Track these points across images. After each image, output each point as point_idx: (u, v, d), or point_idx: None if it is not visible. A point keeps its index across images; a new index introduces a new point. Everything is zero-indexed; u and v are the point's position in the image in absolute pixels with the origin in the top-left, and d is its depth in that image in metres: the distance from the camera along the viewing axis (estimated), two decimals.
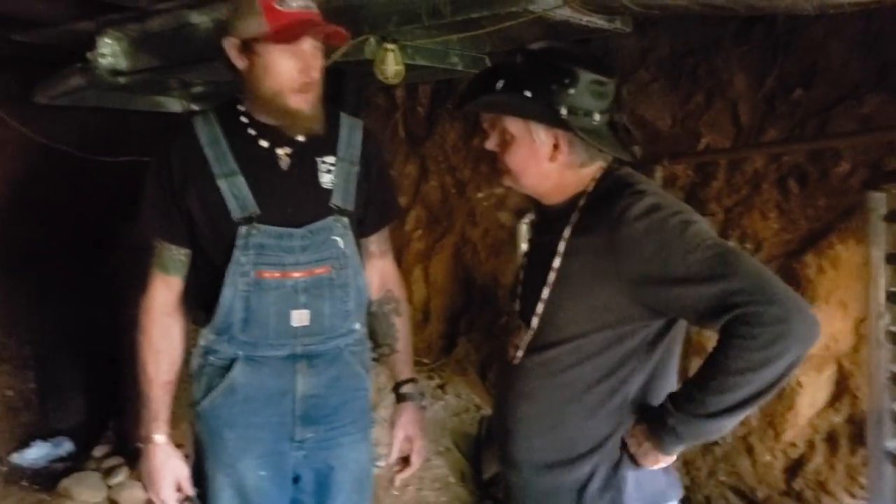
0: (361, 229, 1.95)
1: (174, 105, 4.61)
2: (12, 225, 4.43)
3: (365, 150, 1.92)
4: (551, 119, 1.48)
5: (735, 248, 1.47)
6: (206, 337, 1.87)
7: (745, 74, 3.19)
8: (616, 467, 1.50)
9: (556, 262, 1.50)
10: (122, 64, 3.58)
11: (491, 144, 1.57)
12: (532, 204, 1.71)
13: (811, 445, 2.94)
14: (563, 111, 1.46)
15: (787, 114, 3.07)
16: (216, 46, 1.84)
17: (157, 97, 4.52)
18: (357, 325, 1.94)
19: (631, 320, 1.46)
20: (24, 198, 4.46)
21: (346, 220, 1.86)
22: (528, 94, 1.46)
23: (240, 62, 1.78)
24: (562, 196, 1.57)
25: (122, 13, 3.47)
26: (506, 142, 1.53)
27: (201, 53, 3.23)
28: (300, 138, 1.83)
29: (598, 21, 2.81)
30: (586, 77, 1.47)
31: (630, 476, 1.49)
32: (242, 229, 1.77)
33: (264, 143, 1.83)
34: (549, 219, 1.60)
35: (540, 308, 1.52)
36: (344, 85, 4.07)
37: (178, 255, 1.86)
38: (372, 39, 2.85)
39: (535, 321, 1.53)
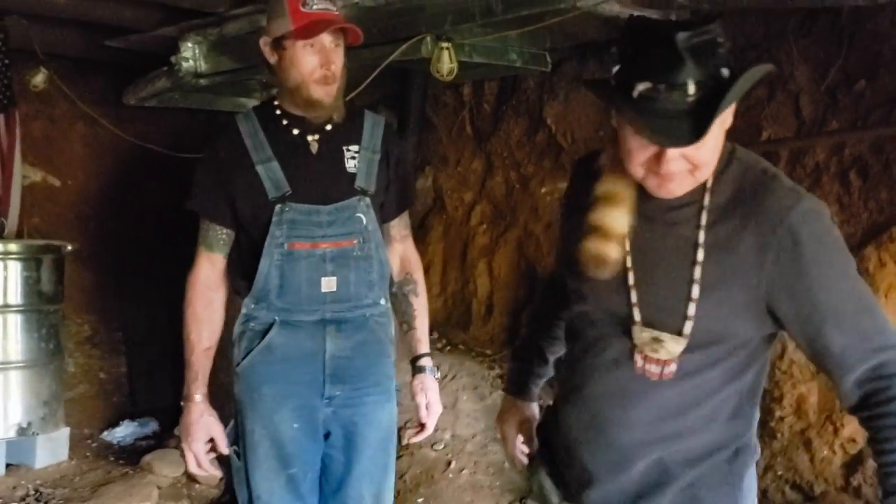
0: (382, 214, 2.16)
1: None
2: (104, 220, 4.75)
3: (385, 142, 2.14)
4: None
5: None
6: (247, 305, 2.08)
7: (808, 67, 3.15)
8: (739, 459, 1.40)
9: (700, 256, 1.30)
10: (203, 66, 3.80)
11: (676, 169, 1.26)
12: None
13: None
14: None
15: (850, 106, 3.02)
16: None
17: (239, 98, 4.74)
18: (382, 300, 2.15)
19: (760, 325, 1.33)
20: (115, 195, 4.78)
21: (368, 199, 2.08)
22: (739, 83, 1.19)
23: (272, 58, 2.03)
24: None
25: (202, 18, 3.70)
26: (699, 144, 1.22)
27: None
28: (328, 127, 2.08)
29: (652, 15, 2.83)
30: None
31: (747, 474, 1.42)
32: (277, 207, 2.00)
33: (296, 131, 2.07)
34: (665, 204, 1.34)
35: (692, 310, 1.30)
36: (409, 83, 4.21)
37: (221, 234, 2.08)
38: (428, 38, 2.96)
39: (688, 326, 1.30)
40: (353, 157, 2.08)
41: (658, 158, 1.23)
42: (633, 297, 1.35)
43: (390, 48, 3.09)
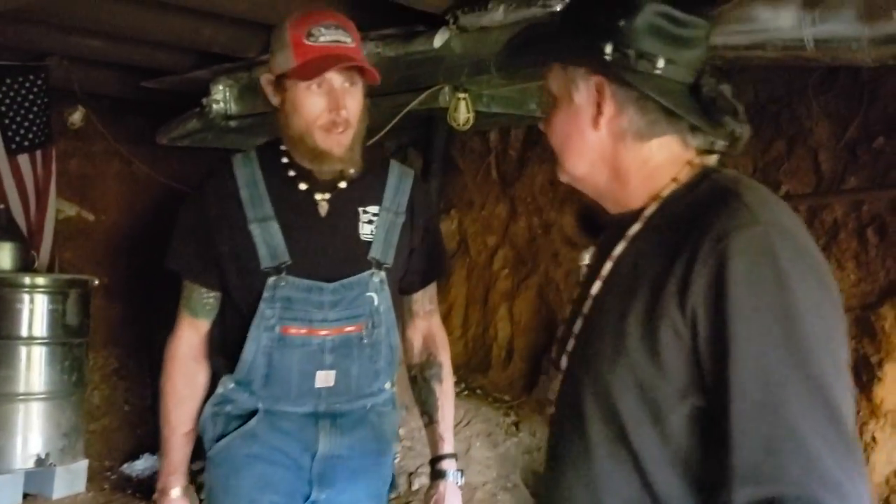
0: (404, 286, 1.85)
1: None
2: (135, 255, 4.87)
3: (413, 200, 1.81)
4: (588, 58, 1.04)
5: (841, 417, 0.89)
6: (224, 385, 1.75)
7: (828, 122, 3.13)
8: None
9: (595, 287, 1.07)
10: (233, 108, 3.91)
11: (543, 120, 1.15)
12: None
13: None
14: (608, 49, 1.01)
15: (869, 163, 3.00)
16: None
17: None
18: (387, 385, 1.83)
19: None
20: (146, 231, 4.90)
21: (383, 274, 1.74)
22: (565, 33, 1.08)
23: (274, 99, 1.70)
24: (627, 198, 1.08)
25: (233, 62, 3.82)
26: (549, 110, 1.12)
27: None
28: (342, 185, 1.74)
29: None
30: (651, 7, 1.00)
31: None
32: (271, 280, 1.67)
33: (303, 187, 1.72)
34: (610, 234, 1.12)
35: (570, 344, 1.09)
36: (434, 128, 4.27)
37: (207, 298, 1.76)
38: (446, 88, 3.01)
39: (564, 361, 1.10)
40: (371, 222, 1.74)
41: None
42: (569, 345, 1.12)
43: (410, 97, 3.15)
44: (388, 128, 3.36)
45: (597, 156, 1.08)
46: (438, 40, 2.96)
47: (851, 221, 3.00)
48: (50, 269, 4.21)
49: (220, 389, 1.75)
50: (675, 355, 0.94)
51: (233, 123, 4.02)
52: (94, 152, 4.73)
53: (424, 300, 1.91)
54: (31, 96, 3.98)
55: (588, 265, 1.19)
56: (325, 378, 1.71)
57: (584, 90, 1.06)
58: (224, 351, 1.74)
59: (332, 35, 1.64)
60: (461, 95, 3.00)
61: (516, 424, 3.90)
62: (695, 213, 0.98)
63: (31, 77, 3.99)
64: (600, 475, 1.01)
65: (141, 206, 4.92)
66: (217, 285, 1.74)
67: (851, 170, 3.05)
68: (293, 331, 1.68)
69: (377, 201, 1.77)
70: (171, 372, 1.78)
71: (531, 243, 4.42)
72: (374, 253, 1.73)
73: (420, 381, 1.89)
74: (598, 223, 1.33)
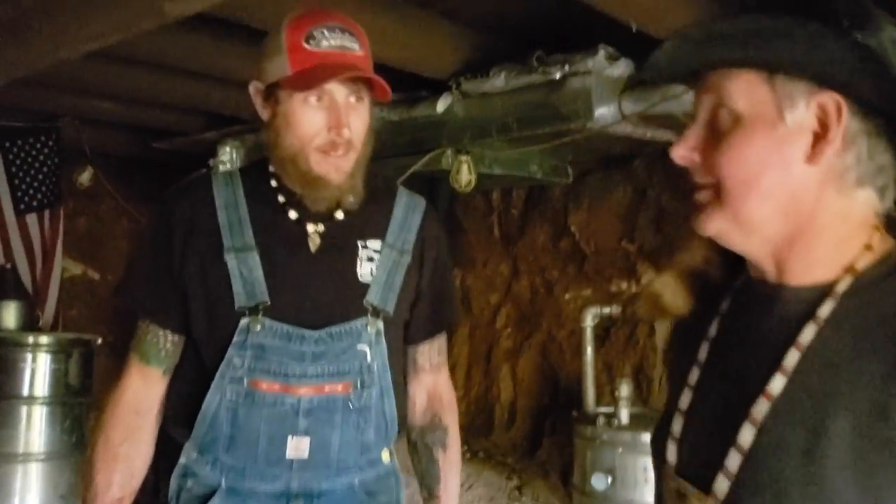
0: (409, 335, 1.58)
1: None
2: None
3: (422, 236, 1.53)
4: (826, 70, 0.80)
5: None
6: (187, 454, 1.47)
7: None
8: None
9: (776, 384, 0.82)
10: None
11: (689, 145, 0.87)
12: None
13: None
14: (848, 63, 0.79)
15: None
16: None
17: None
18: (383, 456, 1.52)
19: None
20: None
21: (381, 323, 1.46)
22: (773, 35, 0.81)
23: (263, 111, 1.44)
24: (806, 263, 0.85)
25: (241, 124, 3.90)
26: (719, 133, 0.85)
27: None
28: (339, 216, 1.47)
29: (664, 134, 2.91)
30: (891, 29, 0.81)
31: None
32: (244, 322, 1.39)
33: (293, 215, 1.45)
34: (765, 303, 0.88)
35: (734, 461, 0.82)
36: (437, 187, 4.32)
37: (163, 342, 1.47)
38: (448, 151, 3.06)
39: (720, 484, 0.83)
40: (371, 259, 1.47)
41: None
42: (675, 427, 0.92)
43: (414, 159, 3.21)
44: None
45: (790, 199, 0.82)
46: (441, 105, 3.02)
47: None
48: (54, 328, 4.22)
49: (182, 459, 1.48)
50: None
51: None
52: (102, 211, 4.79)
53: (432, 352, 1.63)
54: (41, 157, 4.06)
55: (710, 339, 0.93)
56: (296, 446, 1.41)
57: (802, 110, 0.81)
58: (185, 412, 1.45)
59: (337, 39, 1.39)
60: (463, 158, 3.05)
61: (519, 489, 3.85)
62: None
63: (43, 138, 4.07)
64: None
65: None
66: (178, 327, 1.46)
67: None
68: (264, 385, 1.40)
69: (380, 235, 1.49)
70: (106, 424, 1.48)
71: (533, 302, 4.43)
72: (371, 297, 1.46)
73: (421, 448, 1.62)
74: (711, 286, 0.99)
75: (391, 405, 1.50)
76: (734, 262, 0.93)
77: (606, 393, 3.70)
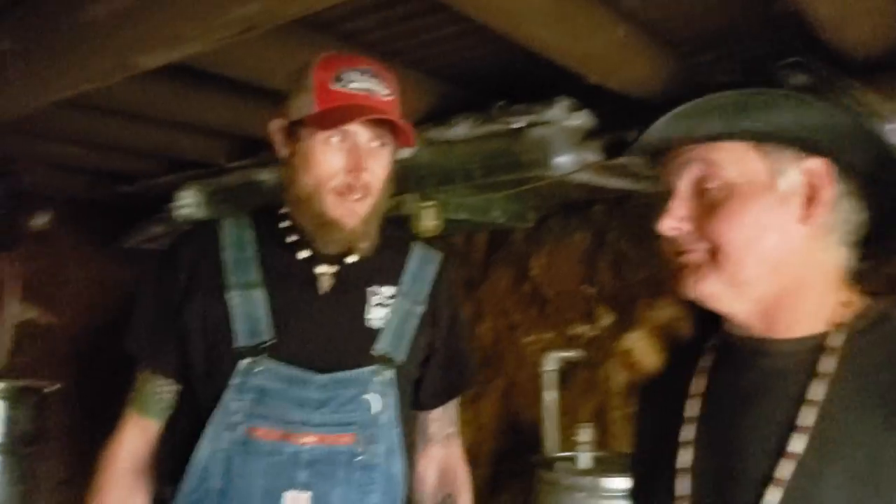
0: (420, 400, 1.49)
1: None
2: (95, 359, 4.79)
3: (437, 290, 1.47)
4: (813, 138, 0.86)
5: None
6: None
7: None
8: None
9: (797, 444, 0.84)
10: (199, 213, 3.95)
11: (678, 217, 0.90)
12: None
13: None
14: (831, 130, 0.85)
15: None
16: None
17: None
18: None
19: None
20: (109, 335, 4.81)
21: (390, 374, 1.38)
22: (761, 107, 0.86)
23: (283, 149, 1.41)
24: (805, 322, 0.89)
25: (203, 169, 3.90)
26: (709, 202, 0.89)
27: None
28: (352, 258, 1.42)
29: (622, 182, 2.99)
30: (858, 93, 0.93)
31: None
32: (244, 363, 1.31)
33: (303, 255, 1.41)
34: (753, 358, 0.93)
35: None
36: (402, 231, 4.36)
37: (163, 392, 1.41)
38: (413, 197, 3.11)
39: None
40: (383, 305, 1.41)
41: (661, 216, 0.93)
42: (678, 488, 0.91)
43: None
44: None
45: (783, 259, 0.87)
46: (407, 151, 3.06)
47: None
48: (6, 374, 4.12)
49: None
50: None
51: None
52: (58, 254, 4.72)
53: (444, 420, 1.52)
54: None
55: (699, 394, 0.95)
56: (295, 502, 1.30)
57: (792, 175, 0.87)
58: (174, 467, 1.36)
59: (366, 83, 1.36)
60: (430, 204, 3.09)
61: None
62: None
63: None
64: None
65: (104, 309, 4.87)
66: (177, 374, 1.40)
67: None
68: (262, 433, 1.30)
69: (393, 282, 1.44)
70: (104, 485, 1.39)
71: (496, 345, 4.46)
72: (382, 344, 1.39)
73: None
74: (680, 343, 1.05)
75: (399, 467, 1.38)
76: (704, 319, 0.96)
77: (567, 437, 3.73)
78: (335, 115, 1.33)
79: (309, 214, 1.38)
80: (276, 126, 1.42)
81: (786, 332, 0.90)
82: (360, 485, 1.35)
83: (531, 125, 2.75)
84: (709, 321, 0.97)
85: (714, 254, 0.88)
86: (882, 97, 2.23)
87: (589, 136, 2.78)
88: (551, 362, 3.46)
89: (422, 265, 1.50)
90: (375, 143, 1.38)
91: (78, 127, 3.25)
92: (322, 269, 1.42)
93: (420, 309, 1.46)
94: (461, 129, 2.89)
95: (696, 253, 0.90)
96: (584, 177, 2.79)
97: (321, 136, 1.35)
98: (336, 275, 1.42)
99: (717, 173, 0.88)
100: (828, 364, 0.86)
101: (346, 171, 1.35)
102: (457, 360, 1.53)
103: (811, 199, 0.87)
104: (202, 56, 2.28)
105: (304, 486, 1.31)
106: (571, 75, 2.49)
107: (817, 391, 0.85)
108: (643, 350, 0.96)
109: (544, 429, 3.45)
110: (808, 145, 0.86)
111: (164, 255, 1.45)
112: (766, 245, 0.87)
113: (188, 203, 3.97)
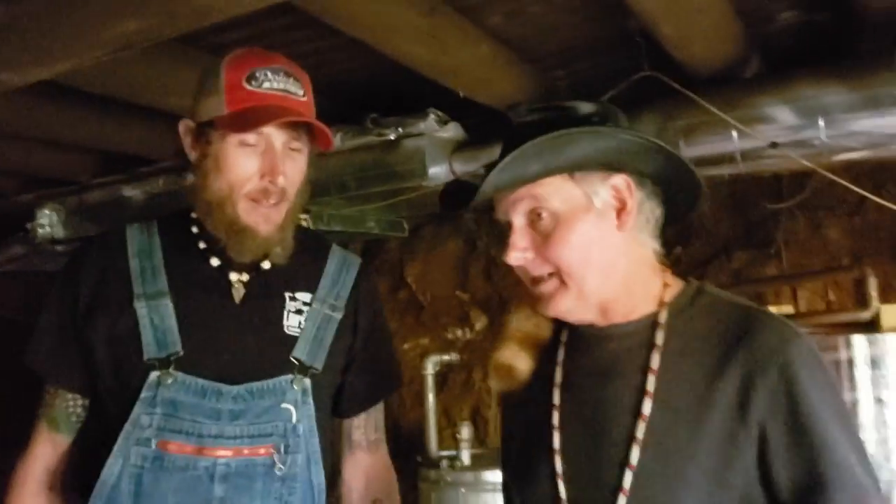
0: (342, 407, 1.45)
1: None
2: None
3: (356, 296, 1.44)
4: (610, 159, 1.04)
5: None
6: None
7: None
8: None
9: (646, 407, 1.01)
10: (60, 233, 3.81)
11: (521, 248, 1.06)
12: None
13: None
14: (623, 150, 1.04)
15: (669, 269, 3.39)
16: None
17: None
18: None
19: (744, 500, 0.99)
20: None
21: (308, 382, 1.33)
22: (566, 144, 1.02)
23: (192, 152, 1.35)
24: (636, 307, 1.08)
25: (62, 187, 3.75)
26: (543, 231, 1.05)
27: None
28: (266, 265, 1.37)
29: None
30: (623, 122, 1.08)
31: None
32: (153, 375, 1.25)
33: (215, 262, 1.35)
34: (599, 343, 1.10)
35: (627, 480, 1.00)
36: None
37: (72, 406, 1.36)
38: None
39: (621, 502, 0.99)
40: (299, 312, 1.36)
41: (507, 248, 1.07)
42: (558, 466, 1.06)
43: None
44: None
45: (612, 264, 1.05)
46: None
47: None
48: None
49: None
50: (740, 467, 0.96)
51: (60, 248, 3.91)
52: None
53: (369, 426, 1.50)
54: None
55: (559, 385, 1.10)
56: None
57: (603, 193, 1.04)
58: (82, 483, 1.31)
59: (280, 82, 1.31)
60: (303, 216, 3.12)
61: None
62: (732, 329, 1.02)
63: None
64: None
65: None
66: (86, 388, 1.35)
67: None
68: (174, 447, 1.24)
69: (310, 288, 1.40)
70: (18, 502, 1.33)
71: None
72: (298, 352, 1.34)
73: None
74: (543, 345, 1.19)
75: (319, 475, 1.35)
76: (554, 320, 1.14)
77: (447, 437, 3.84)
78: (250, 117, 1.28)
79: (221, 220, 1.32)
80: (184, 128, 1.36)
81: (624, 318, 1.09)
82: (279, 497, 1.29)
83: (404, 137, 2.85)
84: (557, 321, 1.16)
85: (560, 277, 1.05)
86: (725, 107, 2.48)
87: (459, 147, 2.90)
88: (431, 366, 3.56)
89: (340, 270, 1.46)
90: (291, 146, 1.33)
91: None
92: (235, 277, 1.36)
93: (339, 315, 1.41)
94: (335, 142, 2.94)
95: (547, 283, 1.06)
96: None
97: (234, 138, 1.29)
98: (250, 282, 1.37)
99: (543, 206, 1.04)
100: (660, 337, 1.05)
101: (261, 175, 1.29)
102: (378, 366, 1.50)
103: (621, 208, 1.06)
104: (76, 76, 2.23)
105: (220, 501, 1.26)
106: (442, 88, 2.61)
107: (656, 360, 1.04)
108: (521, 361, 1.07)
109: (427, 430, 3.54)
110: (608, 166, 1.05)
111: (67, 266, 1.39)
112: (597, 257, 1.05)
113: (47, 222, 3.82)
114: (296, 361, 1.35)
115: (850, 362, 2.25)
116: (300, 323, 1.37)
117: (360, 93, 2.95)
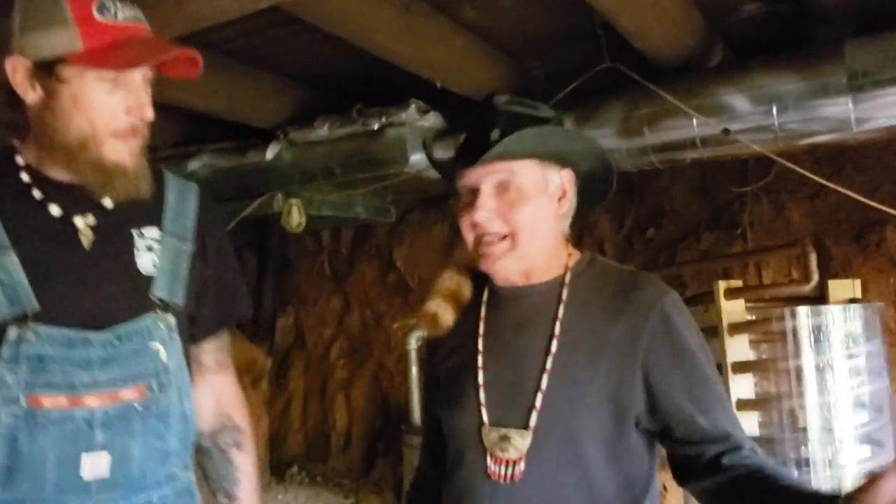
0: (193, 333, 1.43)
1: None
2: None
3: (201, 223, 1.40)
4: (566, 157, 1.31)
5: None
6: None
7: (609, 217, 3.70)
8: None
9: (554, 346, 1.27)
10: None
11: (488, 209, 1.26)
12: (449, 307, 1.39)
13: None
14: (571, 150, 1.32)
15: (642, 249, 3.57)
16: None
17: None
18: (180, 471, 1.38)
19: (635, 417, 1.25)
20: None
21: (171, 318, 1.33)
22: (532, 129, 1.26)
23: (30, 93, 1.24)
24: (549, 271, 1.33)
25: None
26: (508, 199, 1.26)
27: None
28: (108, 204, 1.31)
29: None
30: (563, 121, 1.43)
31: None
32: (12, 333, 1.21)
33: (55, 211, 1.28)
34: (520, 299, 1.34)
35: (538, 401, 1.24)
36: (268, 230, 4.53)
37: None
38: (279, 195, 3.31)
39: (533, 418, 1.23)
40: (150, 249, 1.33)
41: (473, 207, 1.26)
42: (482, 397, 1.29)
43: (245, 203, 3.42)
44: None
45: (550, 235, 1.30)
46: (270, 152, 3.27)
47: None
48: None
49: None
50: (629, 389, 1.23)
51: None
52: None
53: (218, 349, 1.50)
54: None
55: (482, 334, 1.33)
56: (94, 464, 1.24)
57: (556, 180, 1.29)
58: None
59: (129, 11, 1.26)
60: (293, 201, 3.30)
61: None
62: (620, 287, 1.29)
63: None
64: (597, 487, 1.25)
65: None
66: None
67: (629, 256, 3.61)
68: (47, 402, 1.21)
69: (156, 223, 1.35)
70: None
71: (364, 333, 4.71)
72: (158, 290, 1.32)
73: (214, 452, 1.49)
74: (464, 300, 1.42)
75: (191, 407, 1.37)
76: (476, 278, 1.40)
77: None
78: (119, 54, 1.22)
79: (83, 163, 1.25)
80: (12, 66, 1.23)
81: (538, 280, 1.33)
82: (156, 434, 1.31)
83: (387, 126, 3.02)
84: (479, 279, 1.40)
85: (511, 238, 1.27)
86: (686, 96, 2.64)
87: (439, 135, 3.08)
88: (415, 341, 3.75)
89: (181, 199, 1.40)
90: (146, 76, 1.28)
91: None
92: (81, 223, 1.29)
93: (188, 247, 1.37)
94: (322, 131, 3.12)
95: (498, 245, 1.28)
96: (437, 173, 3.07)
97: (92, 75, 1.21)
98: (97, 225, 1.30)
99: (514, 180, 1.27)
100: (565, 293, 1.31)
101: (128, 111, 1.25)
102: (227, 291, 1.47)
103: (562, 196, 1.31)
104: None
105: (102, 447, 1.25)
106: (424, 79, 2.78)
107: (561, 311, 1.30)
108: (444, 312, 1.33)
109: (410, 401, 3.74)
110: (564, 161, 1.31)
111: None
112: (541, 229, 1.29)
113: None
114: (157, 300, 1.32)
115: (794, 332, 2.43)
116: (154, 261, 1.33)
117: (346, 84, 3.12)
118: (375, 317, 4.66)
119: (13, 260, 1.23)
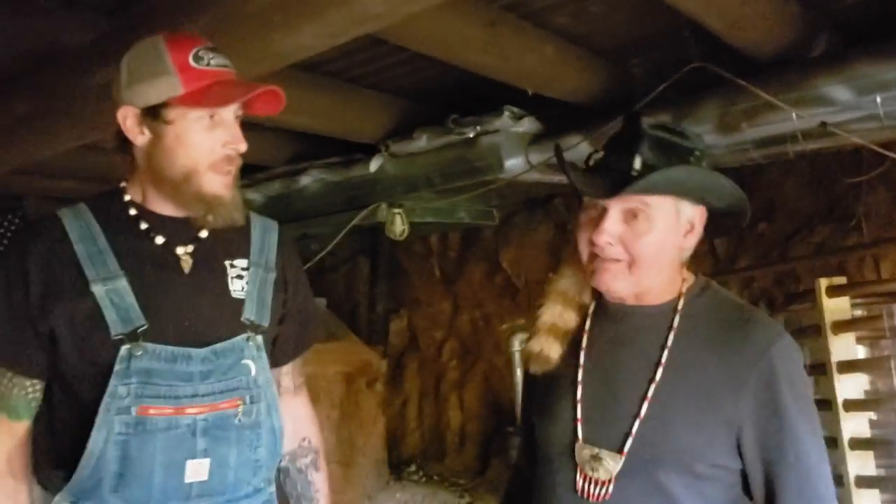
0: (275, 357, 1.55)
1: None
2: None
3: (282, 255, 1.57)
4: (703, 196, 1.29)
5: None
6: None
7: None
8: None
9: (659, 374, 1.27)
10: None
11: (613, 234, 1.26)
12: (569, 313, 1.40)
13: None
14: (705, 188, 1.30)
15: (754, 245, 3.47)
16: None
17: None
18: (266, 485, 1.51)
19: (722, 454, 1.26)
20: None
21: (260, 339, 1.47)
22: (679, 169, 1.26)
23: (140, 136, 1.40)
24: (662, 294, 1.33)
25: None
26: (634, 227, 1.27)
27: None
28: (203, 234, 1.46)
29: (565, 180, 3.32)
30: (708, 152, 1.33)
31: None
32: (124, 349, 1.34)
33: (160, 240, 1.43)
34: (625, 319, 1.35)
35: (636, 427, 1.26)
36: (379, 236, 4.69)
37: (30, 392, 1.41)
38: (383, 205, 3.44)
39: (628, 443, 1.26)
40: (240, 277, 1.48)
41: (596, 227, 1.27)
42: (579, 413, 1.32)
43: (353, 214, 3.58)
44: (335, 240, 3.78)
45: (670, 266, 1.31)
46: (374, 165, 3.41)
47: (745, 295, 3.45)
48: None
49: None
50: (725, 435, 1.24)
51: None
52: None
53: (294, 373, 1.64)
54: (9, 234, 4.33)
55: (584, 349, 1.35)
56: (196, 469, 1.37)
57: (687, 215, 1.29)
58: (55, 459, 1.39)
59: (219, 59, 1.43)
60: (396, 210, 3.43)
61: None
62: (732, 323, 1.29)
63: (10, 216, 4.35)
64: None
65: None
66: (42, 374, 1.41)
67: (741, 252, 3.53)
68: (154, 411, 1.34)
69: (244, 254, 1.51)
70: None
71: (474, 335, 4.80)
72: (248, 313, 1.47)
73: (293, 472, 1.62)
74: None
75: (278, 421, 1.50)
76: None
77: None
78: (215, 94, 1.38)
79: (187, 195, 1.41)
80: (123, 114, 1.40)
81: (650, 302, 1.33)
82: (249, 443, 1.44)
83: (482, 134, 3.09)
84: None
85: (629, 265, 1.28)
86: (784, 89, 2.57)
87: (535, 139, 3.11)
88: (518, 343, 3.80)
89: (263, 234, 1.57)
90: (237, 114, 1.44)
91: (73, 164, 3.55)
92: (182, 251, 1.45)
93: (272, 276, 1.53)
94: (421, 142, 3.23)
95: (615, 264, 1.28)
96: (533, 176, 3.12)
97: (194, 115, 1.38)
98: (194, 253, 1.46)
99: (646, 211, 1.26)
100: (676, 320, 1.30)
101: (225, 144, 1.40)
102: (308, 318, 1.64)
103: (690, 230, 1.31)
104: None
105: (204, 454, 1.38)
106: (512, 89, 2.82)
107: (671, 340, 1.29)
108: (548, 347, 1.36)
109: (517, 403, 3.79)
110: (701, 201, 1.30)
111: (9, 258, 1.42)
112: (663, 261, 1.30)
113: None
114: (247, 322, 1.46)
115: None
116: (244, 287, 1.48)
117: (440, 97, 3.21)
118: (484, 318, 4.74)
119: (124, 285, 1.38)
